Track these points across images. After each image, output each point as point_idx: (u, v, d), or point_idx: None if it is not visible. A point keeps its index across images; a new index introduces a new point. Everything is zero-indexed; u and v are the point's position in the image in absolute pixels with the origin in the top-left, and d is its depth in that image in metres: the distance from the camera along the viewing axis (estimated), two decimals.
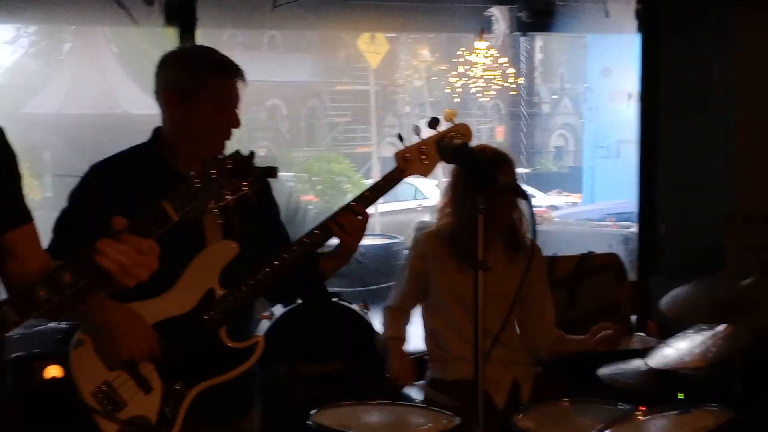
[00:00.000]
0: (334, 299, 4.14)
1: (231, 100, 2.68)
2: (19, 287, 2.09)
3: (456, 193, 3.41)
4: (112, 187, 2.72)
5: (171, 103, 2.69)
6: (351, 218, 2.76)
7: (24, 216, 2.18)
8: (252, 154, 2.02)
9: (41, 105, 11.53)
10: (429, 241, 3.48)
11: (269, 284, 2.71)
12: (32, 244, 2.19)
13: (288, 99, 19.12)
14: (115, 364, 2.63)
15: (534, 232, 3.08)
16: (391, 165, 2.72)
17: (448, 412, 2.91)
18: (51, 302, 1.89)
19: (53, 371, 3.49)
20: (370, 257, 9.74)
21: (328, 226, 2.77)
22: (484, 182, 2.60)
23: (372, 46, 15.65)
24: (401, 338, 3.51)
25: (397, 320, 3.54)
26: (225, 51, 2.74)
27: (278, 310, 4.06)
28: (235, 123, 2.68)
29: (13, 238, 2.14)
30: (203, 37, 4.41)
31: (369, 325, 4.09)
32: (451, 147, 2.64)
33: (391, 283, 3.84)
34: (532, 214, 2.95)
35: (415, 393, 3.59)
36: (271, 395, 3.18)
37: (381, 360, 3.58)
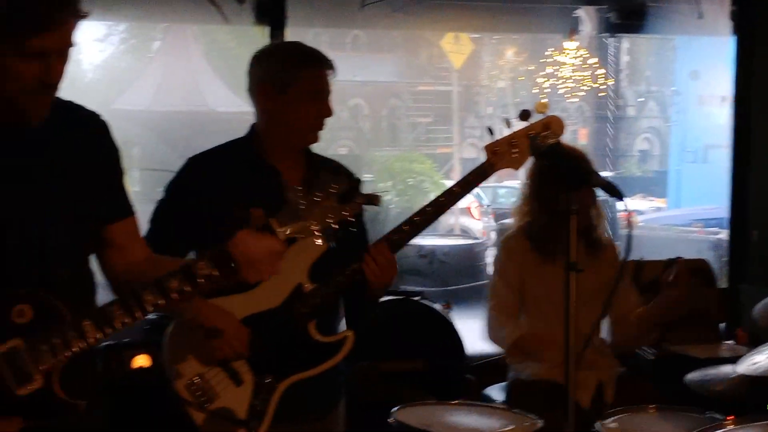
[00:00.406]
0: (416, 298, 4.16)
1: (323, 90, 2.72)
2: (119, 280, 2.14)
3: (536, 190, 3.38)
4: (209, 179, 2.77)
5: (266, 96, 2.73)
6: (379, 260, 2.70)
7: (127, 209, 2.23)
8: (358, 182, 2.07)
9: (130, 101, 11.76)
10: (513, 241, 3.46)
11: (359, 281, 2.73)
12: (133, 236, 2.24)
13: (370, 99, 19.18)
14: (208, 360, 2.68)
15: (628, 234, 3.02)
16: (472, 166, 2.70)
17: (530, 415, 2.89)
18: (157, 307, 1.95)
19: (141, 361, 3.55)
20: (453, 258, 9.71)
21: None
22: (577, 181, 2.57)
23: (456, 46, 15.60)
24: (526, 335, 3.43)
25: (510, 320, 3.46)
26: None
27: None
28: (327, 112, 2.72)
29: (116, 231, 2.18)
30: (291, 35, 4.45)
31: (450, 325, 4.07)
32: (543, 146, 2.61)
33: (472, 284, 3.83)
34: (624, 216, 2.91)
35: (496, 394, 3.57)
36: (352, 391, 3.19)
37: (462, 359, 3.57)
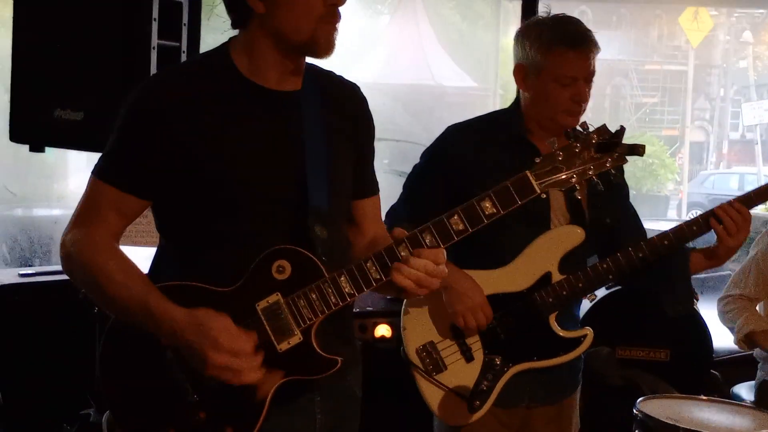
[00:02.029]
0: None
1: (576, 74, 2.61)
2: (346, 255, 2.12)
3: None
4: (467, 148, 2.75)
5: (522, 77, 2.68)
6: (733, 214, 2.61)
7: (374, 187, 2.24)
8: (621, 130, 1.95)
9: (360, 73, 12.02)
10: None
11: (610, 279, 2.64)
12: (374, 215, 2.24)
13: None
14: (444, 328, 2.67)
15: None
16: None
17: None
18: (379, 282, 1.93)
19: (383, 330, 3.61)
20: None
21: (705, 220, 2.64)
22: None
23: (694, 23, 14.84)
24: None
25: (746, 312, 3.38)
26: None
27: (601, 292, 3.96)
28: (582, 97, 2.61)
29: (360, 207, 2.19)
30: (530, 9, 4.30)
31: (697, 316, 3.89)
32: None
33: (720, 272, 3.65)
34: None
35: (745, 393, 3.41)
36: (589, 376, 3.11)
37: (708, 353, 3.40)
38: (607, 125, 1.95)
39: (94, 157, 3.01)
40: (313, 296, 1.91)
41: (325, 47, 1.94)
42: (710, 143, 17.54)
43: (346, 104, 2.12)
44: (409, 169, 2.85)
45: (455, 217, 1.93)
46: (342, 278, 1.92)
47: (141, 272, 1.97)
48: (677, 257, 2.70)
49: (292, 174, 1.96)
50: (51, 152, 3.21)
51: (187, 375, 1.93)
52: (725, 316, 3.48)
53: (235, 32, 2.02)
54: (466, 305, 2.60)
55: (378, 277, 1.92)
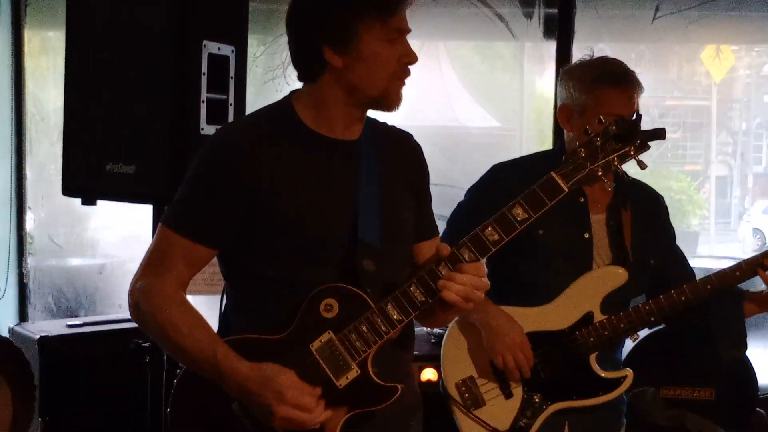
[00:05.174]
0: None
1: (620, 111, 2.60)
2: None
3: None
4: (511, 187, 2.78)
5: (566, 118, 2.71)
6: None
7: (433, 231, 2.29)
8: (638, 117, 1.97)
9: (386, 115, 11.99)
10: None
11: (652, 322, 2.65)
12: (430, 256, 2.29)
13: None
14: (484, 364, 2.69)
15: None
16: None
17: None
18: (425, 304, 1.97)
19: (428, 374, 3.60)
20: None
21: (750, 266, 2.65)
22: None
23: (716, 59, 14.89)
24: None
25: None
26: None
27: (644, 332, 3.96)
28: None
29: (420, 250, 2.25)
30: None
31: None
32: None
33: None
34: None
35: None
36: (636, 416, 3.10)
37: (753, 391, 3.38)
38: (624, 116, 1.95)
39: (138, 209, 3.08)
40: (364, 328, 1.96)
41: (395, 101, 2.01)
42: (734, 177, 17.52)
43: (402, 152, 2.19)
44: (447, 213, 2.88)
45: (489, 229, 1.97)
46: (389, 306, 1.96)
47: (207, 324, 2.02)
48: (731, 300, 2.70)
49: (346, 215, 2.03)
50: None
51: (254, 425, 1.96)
52: None
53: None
54: (505, 344, 2.61)
55: (423, 299, 1.96)
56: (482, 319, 2.67)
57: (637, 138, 1.98)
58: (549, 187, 1.97)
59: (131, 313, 2.07)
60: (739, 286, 2.71)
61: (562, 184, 1.97)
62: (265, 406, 1.89)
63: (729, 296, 2.72)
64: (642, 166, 2.03)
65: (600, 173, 1.98)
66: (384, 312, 1.97)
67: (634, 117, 1.96)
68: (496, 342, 2.64)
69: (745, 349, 3.06)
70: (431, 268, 1.98)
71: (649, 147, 1.99)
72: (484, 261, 2.00)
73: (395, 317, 1.97)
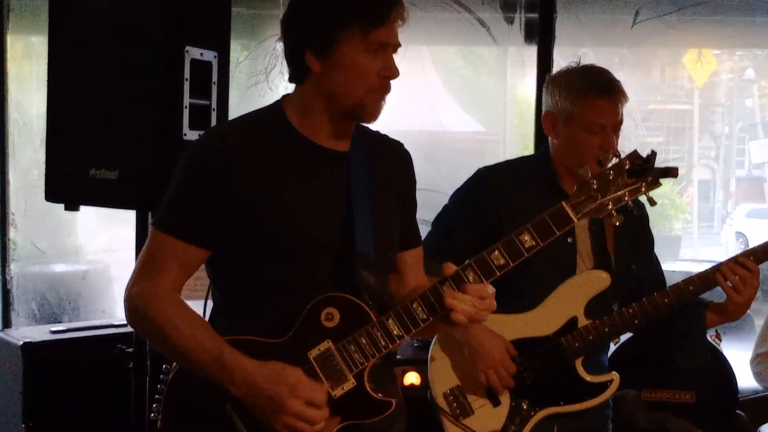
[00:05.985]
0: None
1: (605, 121, 2.65)
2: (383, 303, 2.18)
3: None
4: (496, 191, 2.80)
5: (550, 124, 2.73)
6: (739, 271, 2.63)
7: (417, 239, 2.30)
8: (653, 155, 2.00)
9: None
10: None
11: (635, 325, 2.67)
12: (416, 265, 2.31)
13: None
14: (470, 373, 2.70)
15: None
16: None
17: None
18: (426, 322, 1.99)
19: (412, 378, 3.62)
20: None
21: (710, 276, 2.67)
22: None
23: (698, 63, 14.96)
24: None
25: None
26: None
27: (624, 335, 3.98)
28: (610, 145, 2.64)
29: (403, 258, 2.27)
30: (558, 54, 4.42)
31: (720, 356, 3.91)
32: None
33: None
34: None
35: None
36: (617, 419, 3.12)
37: (733, 394, 3.41)
38: (638, 150, 1.99)
39: (122, 214, 3.08)
40: (363, 341, 1.97)
41: (371, 114, 2.02)
42: (717, 181, 17.61)
43: (392, 161, 2.21)
44: (430, 217, 2.89)
45: (496, 253, 1.99)
46: (389, 321, 1.98)
47: (207, 324, 2.03)
48: (693, 310, 2.73)
49: (340, 225, 2.04)
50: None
51: (247, 425, 1.97)
52: (761, 377, 3.46)
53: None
54: (486, 363, 2.63)
55: (425, 317, 1.98)
56: (463, 338, 2.69)
57: (650, 174, 1.99)
58: (559, 216, 1.99)
59: (128, 318, 2.08)
60: (702, 296, 2.73)
61: (572, 215, 1.99)
62: (275, 400, 1.89)
63: (693, 306, 2.75)
64: (652, 203, 2.05)
65: (610, 206, 1.99)
66: (384, 326, 1.99)
67: (649, 153, 1.98)
68: (477, 361, 2.66)
69: (707, 359, 3.08)
70: (435, 286, 1.99)
71: (660, 184, 2.01)
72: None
73: (395, 332, 1.99)
